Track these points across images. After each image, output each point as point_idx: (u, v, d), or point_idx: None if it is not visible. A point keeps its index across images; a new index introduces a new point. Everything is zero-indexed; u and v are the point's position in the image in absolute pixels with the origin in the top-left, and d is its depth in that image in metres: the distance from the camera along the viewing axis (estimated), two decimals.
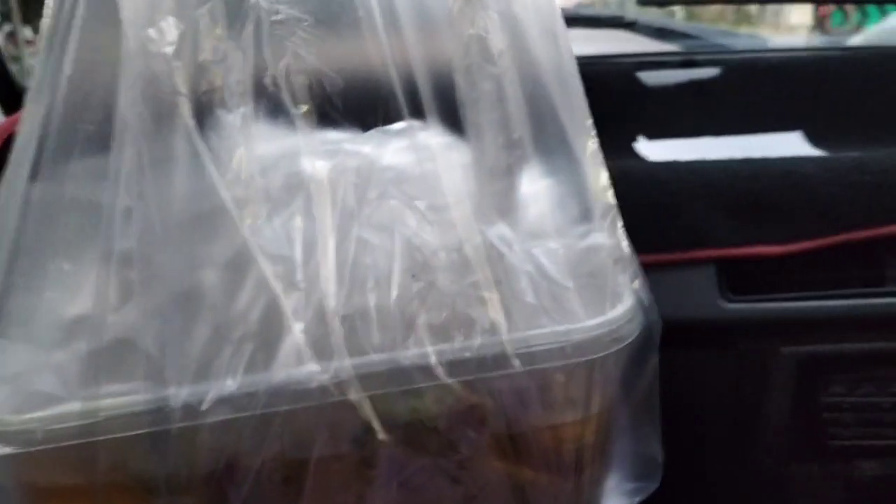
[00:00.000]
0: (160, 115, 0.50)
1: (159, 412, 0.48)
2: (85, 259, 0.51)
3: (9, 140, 0.55)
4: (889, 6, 1.27)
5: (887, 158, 0.93)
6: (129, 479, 0.50)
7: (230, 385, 0.48)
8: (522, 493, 0.56)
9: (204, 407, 0.47)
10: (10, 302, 0.51)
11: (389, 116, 0.55)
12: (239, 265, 0.50)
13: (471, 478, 0.55)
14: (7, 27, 3.46)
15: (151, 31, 0.50)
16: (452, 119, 0.55)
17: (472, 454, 0.54)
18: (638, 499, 0.66)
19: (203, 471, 0.50)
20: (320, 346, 0.49)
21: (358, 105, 0.55)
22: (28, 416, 0.47)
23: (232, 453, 0.50)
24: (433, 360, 0.50)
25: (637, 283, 0.58)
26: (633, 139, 0.98)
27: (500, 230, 0.54)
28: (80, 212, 0.51)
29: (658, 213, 0.92)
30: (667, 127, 0.99)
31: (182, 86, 0.50)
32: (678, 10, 1.50)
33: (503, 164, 0.56)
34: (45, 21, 0.53)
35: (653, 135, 0.99)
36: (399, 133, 0.56)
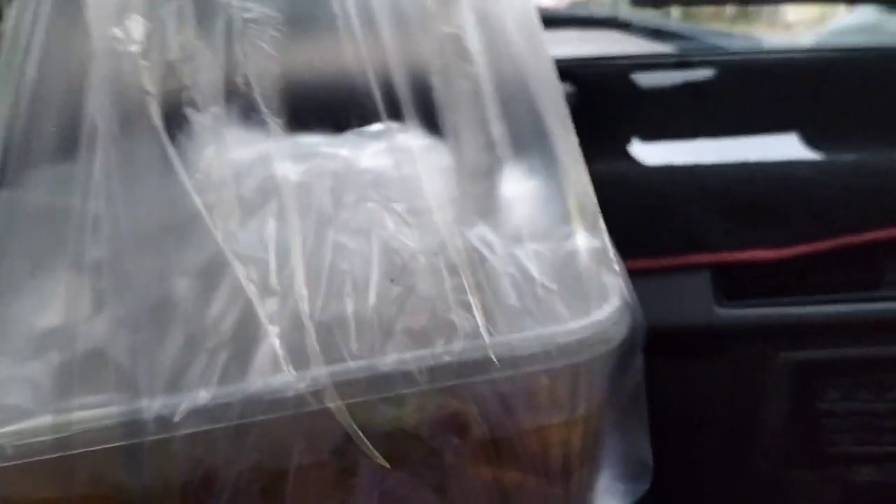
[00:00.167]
0: (128, 117, 0.48)
1: (132, 424, 0.46)
2: (54, 268, 0.50)
3: None
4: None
5: (884, 161, 0.92)
6: (103, 492, 0.48)
7: (204, 396, 0.47)
8: (509, 500, 0.55)
9: (177, 418, 0.46)
10: None
11: (366, 118, 0.54)
12: (212, 272, 0.49)
13: (455, 486, 0.53)
14: None
15: (118, 31, 0.48)
16: (430, 120, 0.54)
17: (456, 462, 0.52)
18: (629, 501, 0.65)
19: (179, 483, 0.48)
20: (296, 354, 0.48)
21: (333, 106, 0.54)
22: None
23: (208, 465, 0.48)
24: (413, 366, 0.49)
25: (622, 285, 0.57)
26: (628, 141, 0.98)
27: (481, 232, 0.53)
28: (47, 220, 0.50)
29: (652, 217, 0.91)
30: (661, 129, 0.98)
31: (150, 86, 0.48)
32: (674, 9, 1.49)
33: (483, 166, 0.55)
34: (8, 22, 0.52)
35: (647, 137, 0.98)
36: (376, 135, 0.55)
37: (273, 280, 0.49)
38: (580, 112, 0.96)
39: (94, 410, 0.46)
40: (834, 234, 0.89)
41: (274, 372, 0.47)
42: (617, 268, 0.58)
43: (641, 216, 0.91)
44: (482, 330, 0.50)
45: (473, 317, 0.50)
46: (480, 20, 0.55)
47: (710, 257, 0.90)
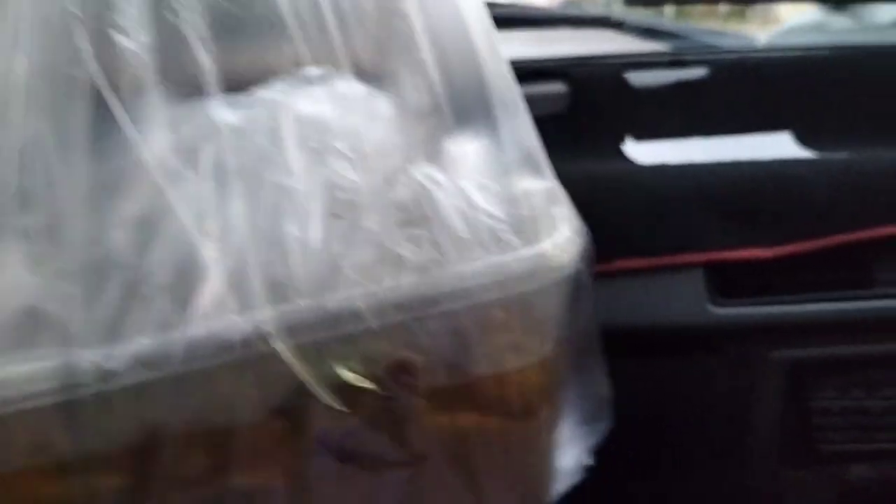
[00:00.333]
0: (59, 63, 0.47)
1: (69, 377, 0.44)
2: None
3: None
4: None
5: (877, 160, 0.92)
6: (43, 458, 0.46)
7: (144, 343, 0.44)
8: (472, 447, 0.54)
9: (115, 366, 0.44)
10: None
11: (300, 62, 0.52)
12: (150, 221, 0.47)
13: (414, 437, 0.51)
14: None
15: None
16: (367, 68, 0.53)
17: (413, 411, 0.50)
18: (593, 442, 0.64)
19: (121, 443, 0.46)
20: (241, 296, 0.46)
21: (266, 47, 0.53)
22: None
23: (151, 422, 0.46)
24: (363, 302, 0.47)
25: (571, 216, 0.56)
26: (621, 141, 0.97)
27: (427, 171, 0.52)
28: None
29: (646, 217, 0.91)
30: (655, 128, 0.98)
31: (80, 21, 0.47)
32: (667, 8, 1.49)
33: (425, 107, 0.53)
34: None
35: (641, 136, 0.98)
36: (316, 80, 0.53)
37: (213, 223, 0.47)
38: (573, 111, 0.97)
39: (28, 364, 0.44)
40: (826, 233, 0.89)
41: (217, 315, 0.45)
42: (566, 205, 0.57)
43: (635, 215, 0.91)
44: (432, 262, 0.49)
45: (422, 250, 0.49)
46: None
47: (704, 256, 0.90)
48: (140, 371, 0.44)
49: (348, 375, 0.47)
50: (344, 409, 0.47)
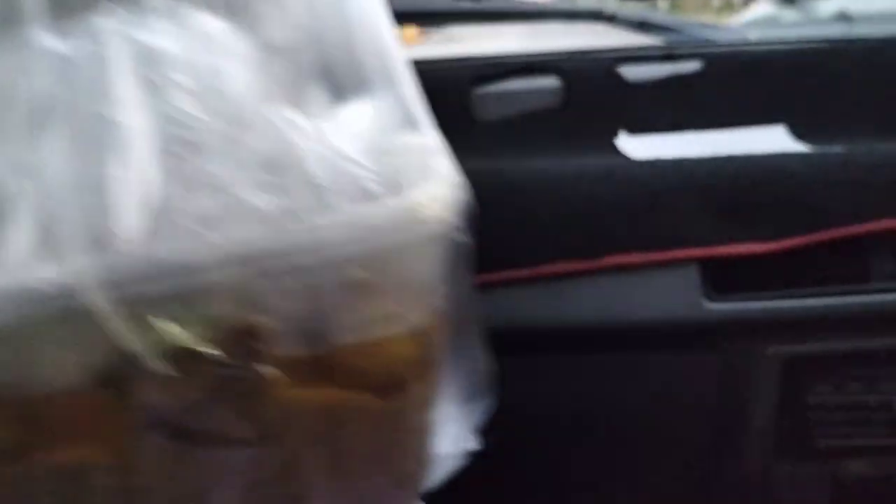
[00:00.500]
0: None
1: None
2: None
3: None
4: None
5: (872, 153, 0.91)
6: None
7: None
8: (334, 425, 0.48)
9: None
10: None
11: None
12: None
13: (265, 413, 0.46)
14: None
15: None
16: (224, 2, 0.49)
17: (263, 383, 0.44)
18: (476, 420, 0.59)
19: None
20: (53, 244, 0.40)
21: None
22: None
23: None
24: (203, 255, 0.41)
25: (449, 172, 0.51)
26: (614, 135, 0.97)
27: (286, 114, 0.47)
28: None
29: (640, 212, 0.91)
30: (648, 122, 0.98)
31: None
32: (660, 1, 1.50)
33: (286, 43, 0.49)
34: None
35: (634, 130, 0.97)
36: (162, 10, 0.47)
37: (26, 160, 0.42)
38: (566, 106, 0.96)
39: None
40: (822, 228, 0.89)
41: (25, 266, 0.40)
42: (446, 158, 0.52)
43: (629, 211, 0.91)
44: (285, 213, 0.43)
45: (275, 198, 0.44)
46: None
47: (699, 251, 0.90)
48: None
49: (182, 338, 0.41)
50: (177, 376, 0.41)
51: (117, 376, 0.42)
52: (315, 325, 0.45)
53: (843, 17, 1.25)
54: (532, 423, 0.95)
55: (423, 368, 0.51)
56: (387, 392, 0.49)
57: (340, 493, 0.50)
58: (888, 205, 0.89)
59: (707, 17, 1.53)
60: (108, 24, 0.46)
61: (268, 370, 0.44)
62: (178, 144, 0.43)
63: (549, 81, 0.97)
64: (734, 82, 0.97)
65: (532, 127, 0.97)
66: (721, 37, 1.12)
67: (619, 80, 0.97)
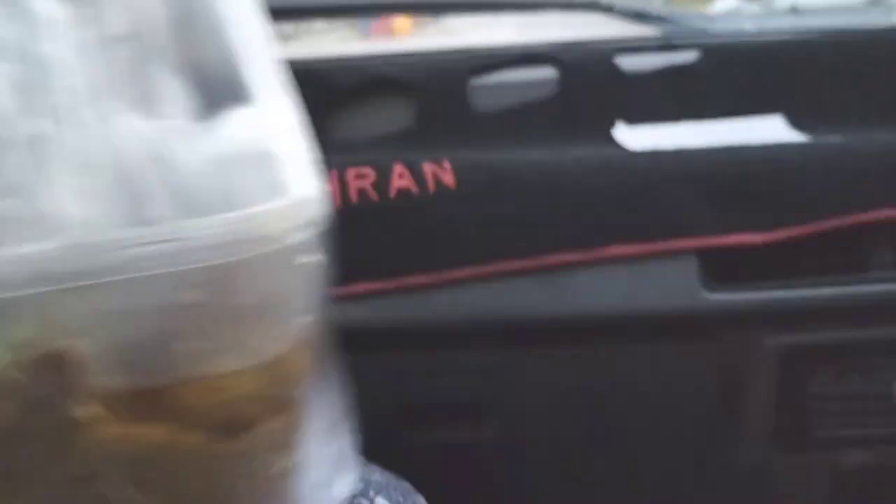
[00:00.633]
0: None
1: None
2: None
3: None
4: None
5: (870, 143, 0.91)
6: None
7: None
8: (162, 468, 0.43)
9: None
10: None
11: None
12: None
13: (79, 451, 0.40)
14: None
15: None
16: None
17: (78, 417, 0.39)
18: (345, 464, 0.53)
19: None
20: None
21: None
22: None
23: None
24: None
25: (307, 182, 0.45)
26: (612, 126, 0.96)
27: (117, 112, 0.41)
28: None
29: (638, 202, 0.91)
30: (646, 113, 0.97)
31: None
32: None
33: (129, 33, 0.43)
34: None
35: (631, 121, 0.97)
36: None
37: None
38: (563, 97, 0.96)
39: None
40: (820, 218, 0.89)
41: None
42: (309, 169, 0.46)
43: (627, 201, 0.91)
44: (97, 223, 0.38)
45: (88, 207, 0.39)
46: None
47: (697, 242, 0.90)
48: None
49: None
50: None
51: None
52: (138, 355, 0.40)
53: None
54: (530, 414, 0.95)
55: (276, 405, 0.45)
56: (228, 433, 0.43)
57: None
58: (886, 194, 0.89)
59: (698, 7, 1.54)
60: None
61: (82, 403, 0.40)
62: None
63: (547, 72, 0.97)
64: (731, 72, 0.97)
65: (529, 118, 0.96)
66: (718, 27, 1.12)
67: (617, 70, 0.96)
